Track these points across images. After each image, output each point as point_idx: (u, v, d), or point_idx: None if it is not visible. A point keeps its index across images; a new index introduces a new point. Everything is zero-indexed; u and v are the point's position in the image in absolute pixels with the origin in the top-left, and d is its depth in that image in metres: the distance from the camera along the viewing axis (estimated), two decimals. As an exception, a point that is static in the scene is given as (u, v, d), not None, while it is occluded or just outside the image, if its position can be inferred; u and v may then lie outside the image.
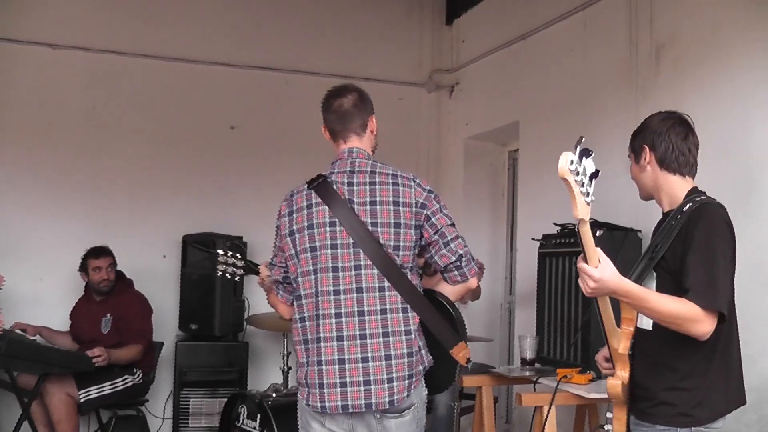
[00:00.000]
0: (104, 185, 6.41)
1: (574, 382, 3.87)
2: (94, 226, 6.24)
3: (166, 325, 6.26)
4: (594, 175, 2.24)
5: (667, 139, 2.83)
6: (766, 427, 3.60)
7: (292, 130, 6.79)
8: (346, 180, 2.97)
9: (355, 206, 2.92)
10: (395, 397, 2.84)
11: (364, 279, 2.88)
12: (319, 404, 2.89)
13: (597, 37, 5.19)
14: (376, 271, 2.88)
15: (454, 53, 7.22)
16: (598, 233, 4.22)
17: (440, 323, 2.94)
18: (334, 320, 2.88)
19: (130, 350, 5.50)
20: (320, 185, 2.99)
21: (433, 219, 2.96)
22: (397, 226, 2.91)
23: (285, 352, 5.33)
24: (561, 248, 4.46)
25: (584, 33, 5.32)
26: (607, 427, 2.85)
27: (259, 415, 4.74)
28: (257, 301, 6.33)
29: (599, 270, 2.36)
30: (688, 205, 2.71)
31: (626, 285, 2.44)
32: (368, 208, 2.92)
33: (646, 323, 2.72)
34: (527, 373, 4.26)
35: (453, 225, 3.02)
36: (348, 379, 2.85)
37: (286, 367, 5.31)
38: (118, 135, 6.47)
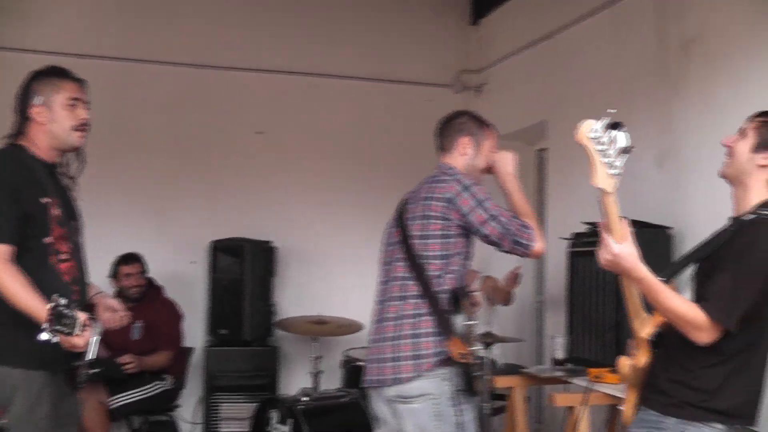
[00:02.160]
0: (133, 192, 6.44)
1: (606, 382, 3.82)
2: (123, 232, 6.26)
3: (195, 331, 6.27)
4: (625, 149, 2.22)
5: None
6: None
7: (319, 134, 6.78)
8: (411, 197, 3.32)
9: (408, 222, 3.20)
10: (401, 375, 3.00)
11: (393, 270, 3.20)
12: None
13: (625, 33, 5.13)
14: (402, 263, 3.15)
15: (481, 53, 7.17)
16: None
17: (442, 316, 3.07)
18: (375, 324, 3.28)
19: (160, 357, 5.52)
20: (401, 205, 3.36)
21: (469, 218, 3.13)
22: (424, 217, 3.11)
23: (315, 355, 5.32)
24: (591, 247, 4.37)
25: (612, 30, 5.26)
26: (621, 406, 2.89)
27: (290, 420, 4.74)
28: (287, 305, 6.36)
29: (620, 246, 2.37)
30: (751, 217, 2.58)
31: (642, 270, 2.43)
32: (411, 214, 3.20)
33: None
34: (559, 374, 4.22)
35: (492, 217, 3.14)
36: (371, 356, 3.19)
37: (316, 371, 5.31)
38: (145, 142, 6.50)
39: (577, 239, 4.55)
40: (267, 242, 6.34)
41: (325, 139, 6.79)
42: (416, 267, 3.07)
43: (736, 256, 2.51)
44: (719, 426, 2.57)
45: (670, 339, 2.66)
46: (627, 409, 2.80)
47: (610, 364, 4.06)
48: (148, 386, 5.47)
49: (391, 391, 3.04)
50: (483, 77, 7.11)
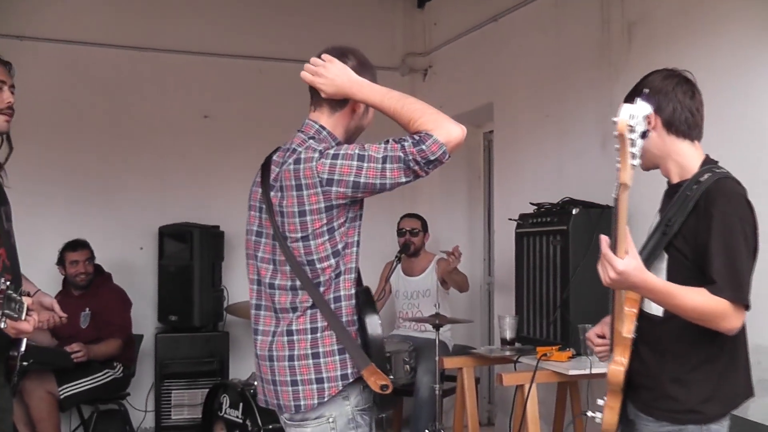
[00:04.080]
0: (79, 178, 6.36)
1: (554, 360, 3.88)
2: (70, 219, 6.20)
3: (145, 318, 6.24)
4: (644, 135, 2.03)
5: (674, 98, 2.52)
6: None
7: (267, 118, 6.75)
8: (280, 160, 2.54)
9: (271, 192, 2.50)
10: (302, 402, 2.44)
11: (279, 275, 2.50)
12: None
13: (569, 16, 5.18)
14: (288, 268, 2.47)
15: (427, 36, 7.20)
16: (573, 211, 4.23)
17: (345, 334, 2.44)
18: (254, 312, 2.59)
19: (109, 345, 5.47)
20: (265, 161, 2.63)
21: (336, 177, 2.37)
22: (303, 214, 2.41)
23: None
24: (538, 227, 4.46)
25: (556, 12, 5.32)
26: (596, 413, 2.62)
27: (241, 404, 4.74)
28: (236, 290, 6.34)
29: (625, 262, 2.17)
30: (706, 175, 2.45)
31: (651, 281, 2.27)
32: (278, 194, 2.48)
33: (656, 309, 2.49)
34: (507, 353, 4.28)
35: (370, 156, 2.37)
36: (263, 375, 2.56)
37: (267, 356, 5.30)
38: (91, 127, 6.42)
39: (524, 220, 4.60)
40: (215, 227, 6.30)
41: (271, 123, 6.74)
42: (302, 273, 2.44)
43: (722, 226, 2.35)
44: (727, 419, 2.49)
45: (659, 334, 2.50)
46: (611, 416, 2.55)
47: (558, 343, 4.15)
48: (97, 375, 5.42)
49: (286, 416, 2.53)
50: (429, 60, 7.14)
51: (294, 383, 2.44)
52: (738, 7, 3.89)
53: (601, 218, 4.21)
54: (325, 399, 2.42)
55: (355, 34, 7.08)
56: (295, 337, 2.45)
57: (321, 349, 2.43)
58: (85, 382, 5.33)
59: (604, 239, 2.18)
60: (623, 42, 4.63)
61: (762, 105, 3.77)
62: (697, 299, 2.31)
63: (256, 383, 2.75)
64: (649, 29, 4.44)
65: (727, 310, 2.30)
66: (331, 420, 2.44)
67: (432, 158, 2.33)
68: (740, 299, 2.32)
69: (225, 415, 4.87)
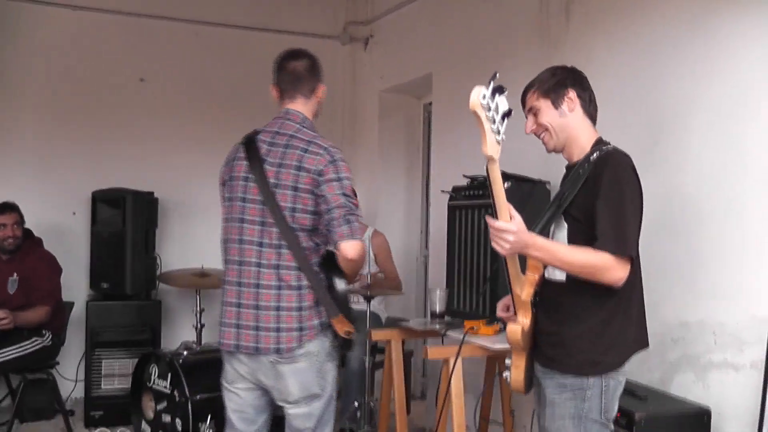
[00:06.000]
0: (10, 140, 6.23)
1: (481, 334, 3.89)
2: (1, 182, 6.06)
3: (77, 285, 6.14)
4: (506, 114, 2.22)
5: (587, 86, 2.84)
6: (668, 371, 3.69)
7: (203, 83, 6.66)
8: (269, 139, 3.14)
9: (267, 166, 3.08)
10: (282, 346, 3.02)
11: (265, 234, 3.08)
12: (219, 341, 3.17)
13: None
14: (275, 229, 3.06)
15: (369, 5, 7.12)
16: (505, 185, 4.22)
17: (321, 291, 3.07)
18: (236, 266, 3.13)
19: (36, 312, 5.34)
20: (248, 141, 3.18)
21: (323, 186, 3.03)
22: (296, 189, 3.03)
23: (198, 309, 5.27)
24: (470, 200, 4.46)
25: (496, -15, 5.29)
26: (504, 373, 2.87)
27: (170, 375, 4.70)
28: (169, 258, 6.26)
29: (512, 224, 2.38)
30: (595, 154, 2.71)
31: (539, 240, 2.49)
32: (276, 169, 3.07)
33: (559, 275, 2.73)
34: (436, 327, 4.28)
35: (344, 194, 3.05)
36: (242, 322, 3.09)
37: (199, 325, 5.26)
38: (22, 88, 6.27)
39: (457, 193, 4.60)
40: (149, 193, 6.19)
41: (208, 88, 6.67)
42: (290, 237, 3.03)
43: (606, 191, 2.59)
44: (624, 367, 2.74)
45: (561, 298, 2.73)
46: (517, 374, 2.82)
47: (486, 316, 4.16)
48: (25, 343, 5.30)
49: (270, 357, 3.06)
50: (371, 29, 7.07)
51: (278, 330, 3.02)
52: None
53: (533, 192, 4.23)
54: (303, 343, 3.03)
55: (296, 1, 7.01)
56: (283, 291, 3.03)
57: (304, 303, 3.04)
58: (12, 350, 5.21)
59: (489, 218, 2.42)
60: (560, 18, 4.62)
61: (664, 88, 3.84)
62: (581, 255, 2.55)
63: (223, 329, 3.16)
64: (587, 5, 4.44)
65: (610, 263, 2.53)
66: (315, 353, 3.08)
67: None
68: (621, 251, 2.54)
69: (153, 386, 4.82)
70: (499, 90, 2.22)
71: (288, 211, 3.03)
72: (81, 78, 6.41)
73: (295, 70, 3.24)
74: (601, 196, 2.59)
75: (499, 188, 2.34)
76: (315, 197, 3.04)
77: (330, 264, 3.11)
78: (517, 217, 2.41)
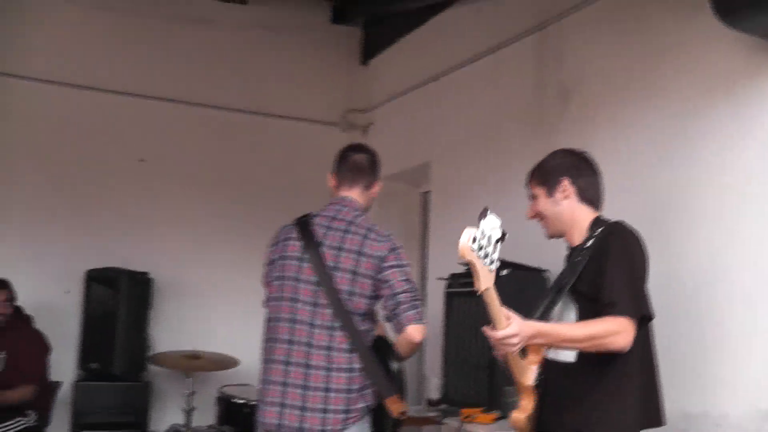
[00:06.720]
0: (5, 215, 6.19)
1: (479, 422, 3.84)
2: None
3: (66, 364, 6.02)
4: (500, 239, 2.26)
5: (586, 172, 2.89)
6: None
7: (201, 165, 6.69)
8: (326, 223, 3.23)
9: (324, 248, 3.16)
10: (327, 428, 3.04)
11: (317, 315, 3.13)
12: (260, 419, 3.16)
13: (506, 78, 5.24)
14: (329, 310, 3.11)
15: (369, 93, 7.23)
16: (504, 272, 4.23)
17: (378, 372, 3.11)
18: (286, 345, 3.15)
19: (22, 391, 5.24)
20: (302, 222, 3.27)
21: (386, 272, 3.12)
22: (355, 273, 3.12)
23: (188, 391, 5.19)
24: (467, 288, 4.44)
25: (494, 74, 5.37)
26: None
27: (157, 458, 4.60)
28: (162, 339, 6.19)
29: (513, 326, 2.38)
30: (598, 231, 2.75)
31: (541, 327, 2.49)
32: (334, 252, 3.15)
33: (563, 357, 2.72)
34: (432, 414, 4.23)
35: (407, 280, 3.15)
36: (287, 401, 3.09)
37: (189, 407, 5.17)
38: (19, 165, 6.27)
39: (454, 280, 4.59)
40: (143, 273, 6.17)
41: (206, 170, 6.70)
42: (345, 319, 3.09)
43: (609, 261, 2.61)
44: None
45: (569, 380, 2.71)
46: None
47: (483, 404, 4.10)
48: (9, 422, 5.19)
49: None
50: (370, 117, 7.15)
51: (324, 411, 3.05)
52: (663, 81, 3.97)
53: (531, 281, 4.22)
54: (347, 426, 3.05)
55: (297, 88, 7.13)
56: (333, 374, 3.08)
57: (353, 386, 3.08)
58: (-5, 429, 5.11)
59: (487, 330, 2.41)
60: (557, 105, 4.68)
61: (677, 171, 3.85)
62: (583, 328, 2.56)
63: (265, 408, 3.15)
64: (585, 93, 4.50)
65: (615, 327, 2.52)
66: None
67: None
68: (630, 313, 2.54)
69: (140, 469, 4.72)
70: (484, 213, 2.25)
71: (345, 294, 3.10)
72: (79, 156, 6.42)
73: (358, 162, 3.38)
74: (609, 263, 2.61)
75: (495, 305, 2.34)
76: (374, 282, 3.12)
77: (382, 346, 3.19)
78: (513, 317, 2.41)
